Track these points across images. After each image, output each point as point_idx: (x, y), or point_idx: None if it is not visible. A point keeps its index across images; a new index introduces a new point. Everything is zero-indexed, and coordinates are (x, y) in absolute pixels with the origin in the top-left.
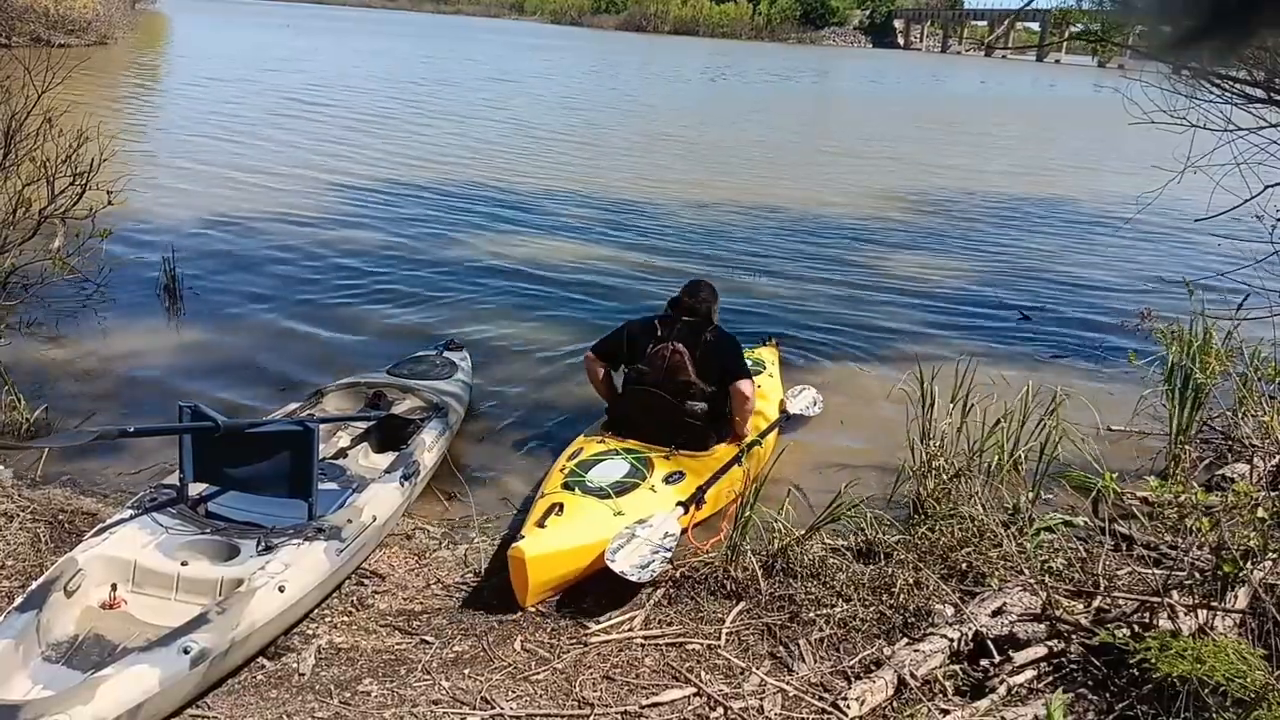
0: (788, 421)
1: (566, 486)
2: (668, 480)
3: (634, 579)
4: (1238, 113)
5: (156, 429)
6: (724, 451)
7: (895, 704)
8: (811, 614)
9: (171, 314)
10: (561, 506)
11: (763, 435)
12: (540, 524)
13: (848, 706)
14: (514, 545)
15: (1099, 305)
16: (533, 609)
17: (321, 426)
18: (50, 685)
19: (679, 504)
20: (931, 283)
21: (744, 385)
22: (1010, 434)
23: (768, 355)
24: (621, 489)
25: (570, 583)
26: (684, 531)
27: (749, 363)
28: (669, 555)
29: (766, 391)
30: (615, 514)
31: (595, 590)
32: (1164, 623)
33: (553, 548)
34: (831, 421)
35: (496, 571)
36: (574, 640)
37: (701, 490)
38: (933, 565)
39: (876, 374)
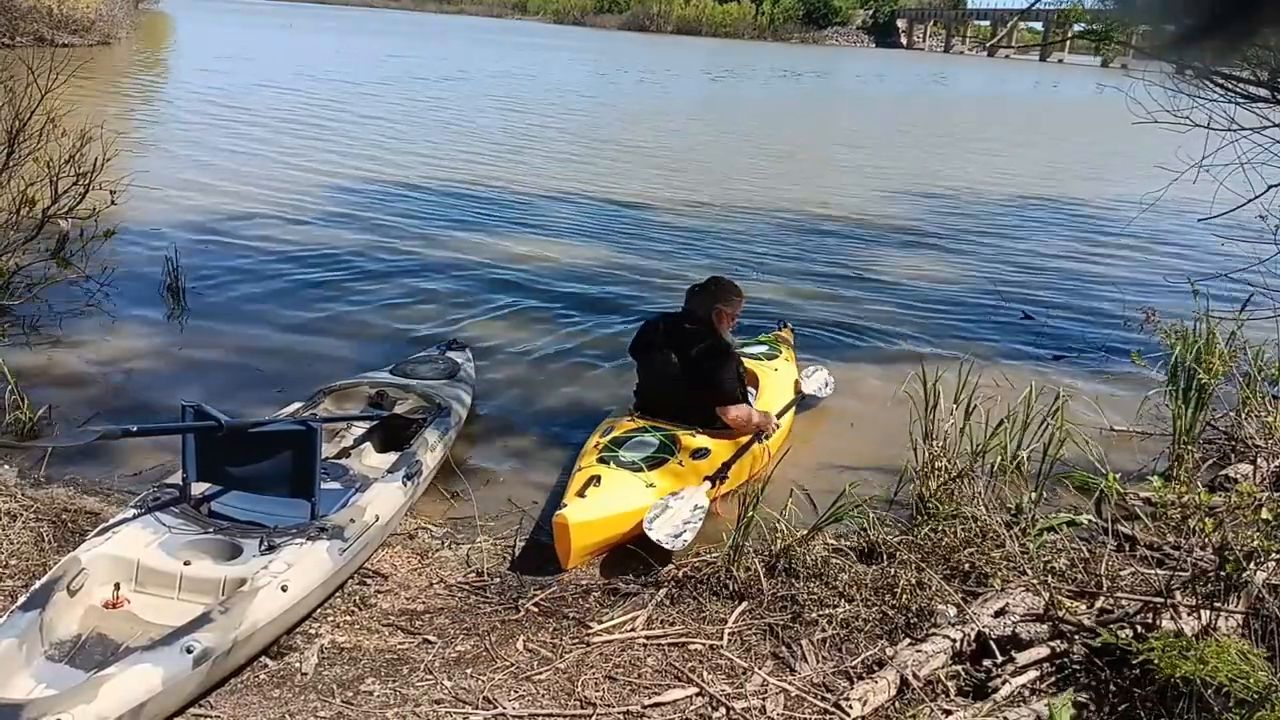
0: (803, 401)
1: (602, 460)
2: (694, 456)
3: (668, 546)
4: (1241, 112)
5: (159, 428)
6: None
7: (898, 704)
8: (814, 614)
9: (174, 314)
10: (599, 479)
11: (780, 414)
12: (581, 494)
13: (850, 707)
14: (558, 513)
15: (1102, 305)
16: (534, 608)
17: (324, 426)
18: (53, 684)
19: (706, 479)
20: (934, 284)
21: (730, 411)
22: (1013, 434)
23: (782, 342)
24: (652, 463)
25: (607, 548)
26: (712, 503)
27: (764, 348)
28: (698, 526)
29: (783, 375)
30: (648, 485)
31: (599, 588)
32: (1167, 623)
33: (593, 515)
34: (835, 422)
35: (499, 571)
36: (576, 640)
37: (725, 466)
38: (935, 565)
39: (879, 375)
